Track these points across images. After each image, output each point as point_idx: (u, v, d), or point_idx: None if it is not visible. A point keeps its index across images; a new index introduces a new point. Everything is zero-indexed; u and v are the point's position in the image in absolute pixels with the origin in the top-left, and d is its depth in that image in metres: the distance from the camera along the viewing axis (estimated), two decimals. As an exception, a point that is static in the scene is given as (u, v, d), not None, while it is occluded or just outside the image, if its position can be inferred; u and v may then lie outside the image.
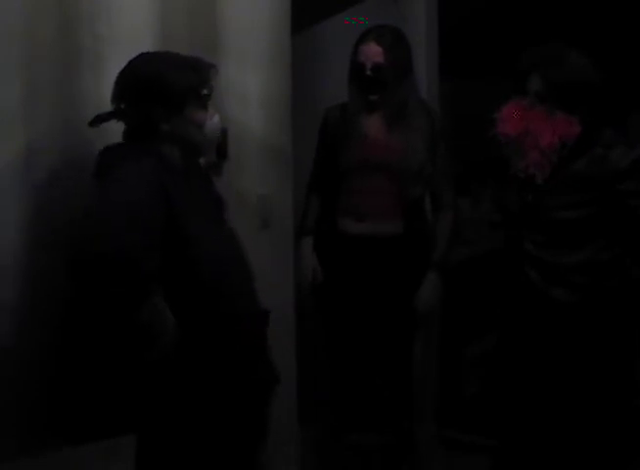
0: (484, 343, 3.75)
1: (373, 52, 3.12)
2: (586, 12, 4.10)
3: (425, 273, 3.24)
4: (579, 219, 2.86)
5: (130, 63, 2.22)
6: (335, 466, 3.35)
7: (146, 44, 2.47)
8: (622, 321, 2.91)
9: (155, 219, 2.07)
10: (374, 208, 3.20)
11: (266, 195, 2.90)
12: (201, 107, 2.22)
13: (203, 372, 2.15)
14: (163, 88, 2.16)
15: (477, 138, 3.22)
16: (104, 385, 2.24)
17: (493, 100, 3.21)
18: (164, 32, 2.54)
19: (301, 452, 3.13)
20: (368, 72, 3.12)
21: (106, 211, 2.03)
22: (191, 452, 2.16)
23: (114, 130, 2.43)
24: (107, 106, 2.39)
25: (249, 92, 2.78)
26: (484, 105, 3.25)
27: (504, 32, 4.18)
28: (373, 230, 3.20)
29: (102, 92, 2.40)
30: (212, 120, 2.25)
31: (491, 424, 3.34)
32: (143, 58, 2.23)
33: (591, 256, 2.88)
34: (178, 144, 2.21)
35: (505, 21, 4.24)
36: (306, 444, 3.25)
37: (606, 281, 2.88)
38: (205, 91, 2.22)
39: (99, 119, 2.24)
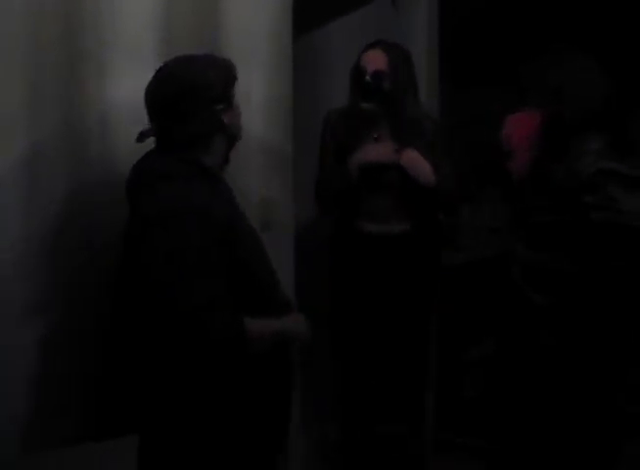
0: (483, 347, 3.75)
1: (376, 58, 3.13)
2: (587, 14, 4.10)
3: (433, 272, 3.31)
4: (554, 224, 2.86)
5: (170, 73, 2.16)
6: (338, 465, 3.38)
7: (149, 48, 2.50)
8: (593, 327, 2.91)
9: (219, 258, 2.05)
10: (384, 209, 3.23)
11: (267, 197, 2.90)
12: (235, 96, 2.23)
13: (222, 373, 2.12)
14: (217, 86, 2.15)
15: (476, 144, 3.23)
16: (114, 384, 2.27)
17: (493, 106, 3.23)
18: (167, 36, 2.55)
19: (303, 452, 3.14)
20: (367, 78, 3.11)
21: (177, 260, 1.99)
22: (195, 455, 2.16)
23: (114, 132, 2.46)
24: (110, 109, 2.44)
25: (250, 95, 2.79)
26: (484, 111, 3.27)
27: (505, 38, 4.18)
28: (384, 230, 3.23)
29: (105, 95, 2.42)
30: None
31: (490, 427, 3.34)
32: (181, 66, 2.18)
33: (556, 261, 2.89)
34: (229, 136, 2.21)
35: (506, 26, 4.24)
36: (308, 443, 3.26)
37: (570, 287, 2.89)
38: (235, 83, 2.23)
39: (144, 135, 2.20)
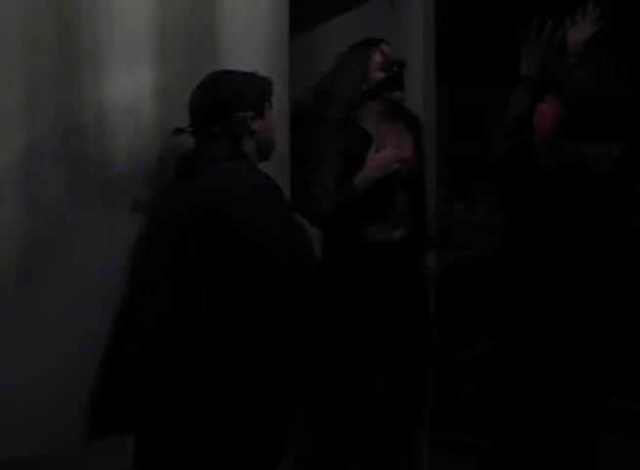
0: (480, 345, 3.75)
1: (394, 50, 3.24)
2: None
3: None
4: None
5: (210, 82, 2.44)
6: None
7: (145, 46, 2.49)
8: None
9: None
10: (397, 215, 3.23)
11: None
12: (270, 112, 2.51)
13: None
14: (248, 97, 2.44)
15: (473, 140, 3.22)
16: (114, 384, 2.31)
17: (490, 103, 3.21)
18: (164, 35, 2.54)
19: (296, 452, 3.13)
20: (395, 69, 3.21)
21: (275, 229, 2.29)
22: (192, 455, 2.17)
23: (111, 131, 2.45)
24: (106, 107, 2.42)
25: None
26: (482, 108, 3.25)
27: (501, 34, 4.17)
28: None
29: (101, 94, 2.41)
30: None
31: (486, 426, 3.34)
32: (220, 77, 2.46)
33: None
34: (259, 143, 2.47)
35: (503, 22, 4.24)
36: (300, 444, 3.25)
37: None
38: (271, 97, 2.53)
39: (180, 131, 2.44)
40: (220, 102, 2.40)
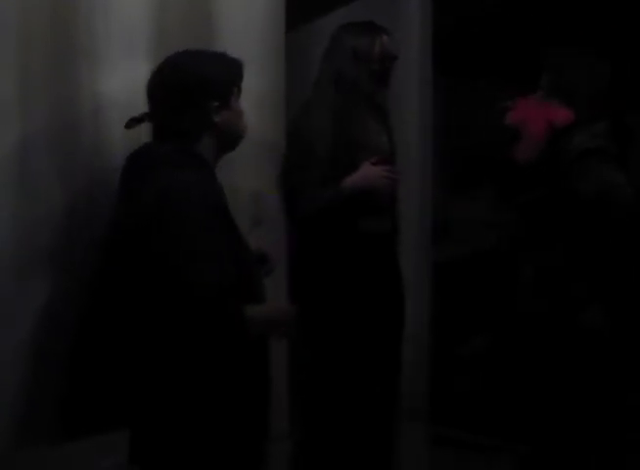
0: (477, 342, 3.76)
1: (390, 44, 3.06)
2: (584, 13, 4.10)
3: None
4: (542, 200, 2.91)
5: (171, 62, 2.18)
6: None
7: (141, 42, 2.49)
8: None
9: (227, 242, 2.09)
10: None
11: (258, 192, 2.90)
12: (238, 99, 2.24)
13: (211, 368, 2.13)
14: (214, 83, 2.16)
15: (472, 137, 3.22)
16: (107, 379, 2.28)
17: (488, 97, 3.22)
18: (160, 30, 2.54)
19: (292, 451, 3.13)
20: (387, 64, 3.05)
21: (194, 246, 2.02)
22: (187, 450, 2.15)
23: (107, 126, 2.45)
24: (102, 102, 2.42)
25: (242, 89, 2.78)
26: (480, 102, 3.26)
27: (500, 32, 4.19)
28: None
29: (97, 88, 2.41)
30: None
31: (483, 422, 3.35)
32: (184, 57, 2.20)
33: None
34: (222, 135, 2.20)
35: (501, 21, 4.25)
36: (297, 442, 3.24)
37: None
38: (240, 84, 2.25)
39: (134, 121, 2.23)
40: (183, 88, 2.13)
